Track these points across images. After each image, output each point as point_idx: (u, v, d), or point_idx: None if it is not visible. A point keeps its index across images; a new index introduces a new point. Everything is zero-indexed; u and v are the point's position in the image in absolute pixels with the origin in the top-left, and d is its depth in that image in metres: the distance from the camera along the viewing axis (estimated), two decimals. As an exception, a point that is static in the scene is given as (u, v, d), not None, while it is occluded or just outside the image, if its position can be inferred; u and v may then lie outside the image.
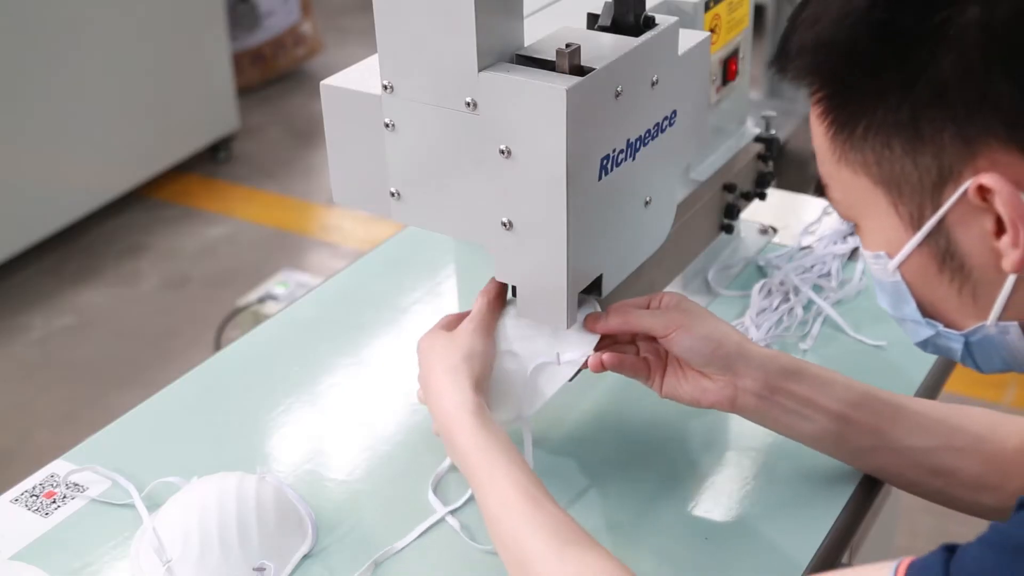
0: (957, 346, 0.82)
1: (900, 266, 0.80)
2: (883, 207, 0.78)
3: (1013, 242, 0.71)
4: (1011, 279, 0.75)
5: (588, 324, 1.05)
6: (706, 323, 1.04)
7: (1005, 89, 0.69)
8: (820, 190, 0.84)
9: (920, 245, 0.77)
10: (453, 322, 1.09)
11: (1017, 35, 0.68)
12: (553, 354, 1.06)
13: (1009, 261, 0.72)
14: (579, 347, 1.06)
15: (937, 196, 0.74)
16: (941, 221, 0.75)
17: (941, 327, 0.82)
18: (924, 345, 0.85)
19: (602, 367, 1.05)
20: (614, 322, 1.05)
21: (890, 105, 0.73)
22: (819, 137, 0.80)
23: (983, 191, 0.71)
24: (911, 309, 0.82)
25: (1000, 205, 0.71)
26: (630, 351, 1.08)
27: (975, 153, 0.71)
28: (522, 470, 0.94)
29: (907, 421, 1.03)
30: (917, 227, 0.76)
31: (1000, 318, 0.77)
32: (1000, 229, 0.72)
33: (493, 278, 1.06)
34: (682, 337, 1.02)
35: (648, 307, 1.06)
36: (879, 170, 0.76)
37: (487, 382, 1.04)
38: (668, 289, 1.31)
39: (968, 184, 0.72)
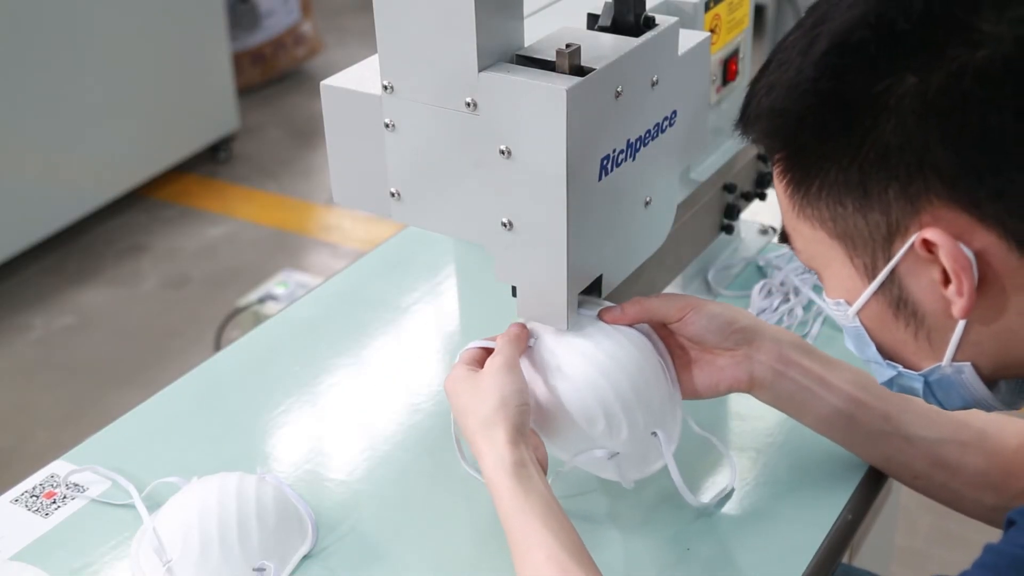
0: (918, 385, 0.85)
1: (858, 313, 0.84)
2: (840, 259, 0.82)
3: (958, 291, 0.75)
4: (961, 324, 0.79)
5: (604, 316, 1.04)
6: (717, 303, 1.07)
7: (941, 152, 0.72)
8: (784, 238, 0.89)
9: (875, 294, 0.81)
10: (477, 357, 1.02)
11: (951, 102, 0.72)
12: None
13: (957, 308, 0.76)
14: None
15: (887, 249, 0.78)
16: (893, 272, 0.79)
17: (901, 368, 0.86)
18: (889, 384, 0.88)
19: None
20: (630, 311, 1.05)
21: (840, 167, 0.77)
22: (780, 193, 0.84)
23: (928, 244, 0.75)
24: (872, 352, 0.86)
25: (944, 257, 0.74)
26: None
27: (919, 210, 0.75)
28: (557, 536, 0.91)
29: (915, 410, 1.05)
30: (872, 277, 0.80)
31: (954, 359, 0.81)
32: (947, 279, 0.76)
33: (514, 324, 1.03)
34: (697, 316, 1.04)
35: None
36: (834, 225, 0.80)
37: (527, 420, 0.98)
38: (668, 289, 1.31)
39: (914, 238, 0.76)
